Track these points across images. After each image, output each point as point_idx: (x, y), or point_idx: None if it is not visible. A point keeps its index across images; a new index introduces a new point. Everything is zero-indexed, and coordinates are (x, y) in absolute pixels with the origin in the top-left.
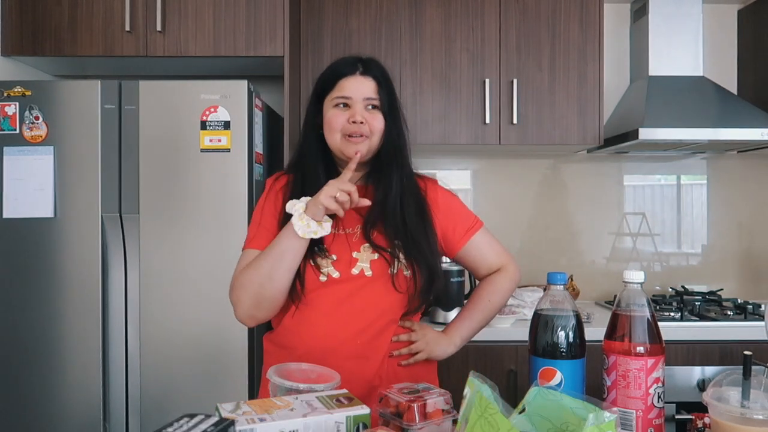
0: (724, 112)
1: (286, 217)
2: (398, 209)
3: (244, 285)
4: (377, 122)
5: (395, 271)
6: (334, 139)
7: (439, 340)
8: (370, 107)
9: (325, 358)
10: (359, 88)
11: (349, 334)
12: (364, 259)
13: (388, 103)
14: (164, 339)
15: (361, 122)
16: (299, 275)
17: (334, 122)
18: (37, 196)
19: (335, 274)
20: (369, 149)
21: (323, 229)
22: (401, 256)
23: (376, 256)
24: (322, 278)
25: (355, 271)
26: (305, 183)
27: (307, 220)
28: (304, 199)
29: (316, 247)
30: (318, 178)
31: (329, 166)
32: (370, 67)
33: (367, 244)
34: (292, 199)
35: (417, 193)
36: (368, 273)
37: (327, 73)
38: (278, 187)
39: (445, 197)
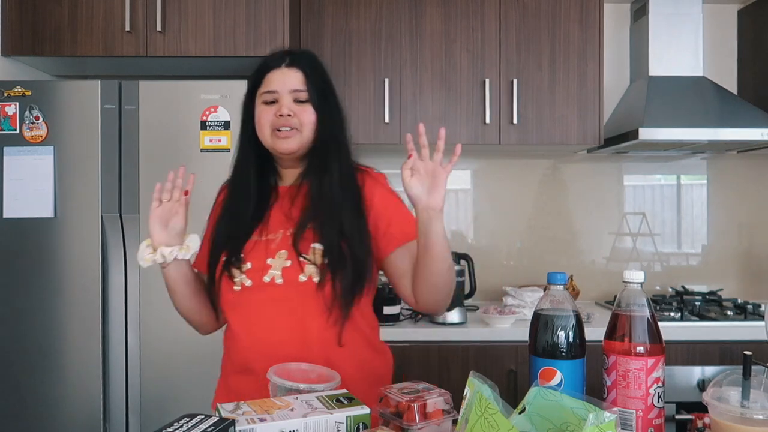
0: (724, 112)
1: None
2: (333, 210)
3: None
4: (307, 115)
5: (305, 278)
6: (264, 135)
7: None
8: (297, 101)
9: (255, 365)
10: (284, 80)
11: (270, 342)
12: (277, 267)
13: (320, 95)
14: (164, 339)
15: (289, 115)
16: (215, 287)
17: (263, 118)
18: (37, 196)
19: (248, 283)
20: (301, 144)
21: (179, 250)
22: (316, 261)
23: (289, 263)
24: (236, 288)
25: (266, 278)
26: (234, 189)
27: (144, 248)
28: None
29: (233, 258)
30: (247, 182)
31: (265, 167)
32: (297, 58)
33: (283, 251)
34: (225, 209)
35: (355, 192)
36: (279, 281)
37: (257, 67)
38: (220, 200)
39: (383, 197)
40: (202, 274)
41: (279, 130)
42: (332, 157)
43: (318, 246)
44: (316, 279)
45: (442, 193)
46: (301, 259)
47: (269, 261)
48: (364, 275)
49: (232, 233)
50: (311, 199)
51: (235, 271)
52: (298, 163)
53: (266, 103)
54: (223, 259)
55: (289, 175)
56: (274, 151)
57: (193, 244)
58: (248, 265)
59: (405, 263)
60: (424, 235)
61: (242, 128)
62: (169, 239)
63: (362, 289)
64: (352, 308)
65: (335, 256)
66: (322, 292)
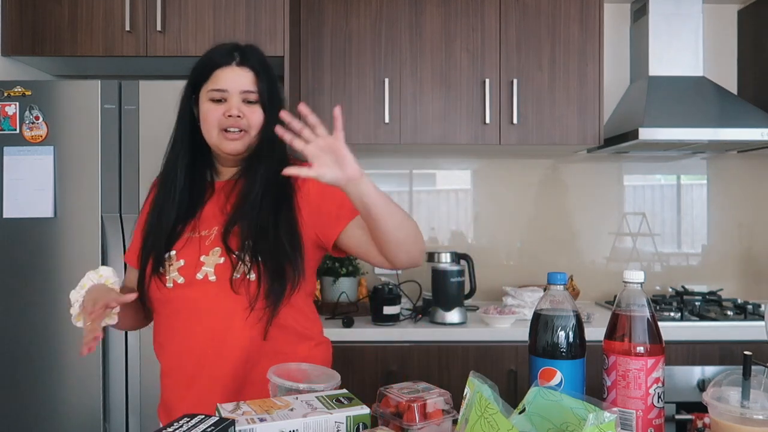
0: (724, 112)
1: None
2: (257, 207)
3: None
4: (255, 117)
5: (237, 275)
6: (211, 134)
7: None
8: (247, 101)
9: (187, 366)
10: (236, 80)
11: (204, 340)
12: (210, 264)
13: (268, 96)
14: None
15: (239, 116)
16: (144, 288)
17: (210, 117)
18: (37, 196)
19: (180, 280)
20: (248, 145)
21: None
22: (247, 258)
23: (222, 260)
24: (168, 285)
25: (199, 275)
26: (165, 184)
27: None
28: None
29: (163, 254)
30: (175, 177)
31: (200, 162)
32: (247, 56)
33: (217, 248)
34: (156, 204)
35: (285, 188)
36: (212, 278)
37: (202, 61)
38: (152, 195)
39: (316, 184)
40: (135, 270)
41: (227, 131)
42: (267, 155)
43: (249, 242)
44: (251, 276)
45: (351, 161)
46: (233, 255)
47: (202, 258)
48: (294, 270)
49: (162, 229)
50: (241, 196)
51: (167, 268)
52: (238, 162)
53: (214, 101)
54: (154, 255)
55: (227, 172)
56: (219, 151)
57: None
58: (181, 263)
59: (361, 235)
60: (360, 204)
61: (179, 121)
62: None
63: (293, 284)
64: (281, 302)
65: (264, 252)
66: (253, 289)
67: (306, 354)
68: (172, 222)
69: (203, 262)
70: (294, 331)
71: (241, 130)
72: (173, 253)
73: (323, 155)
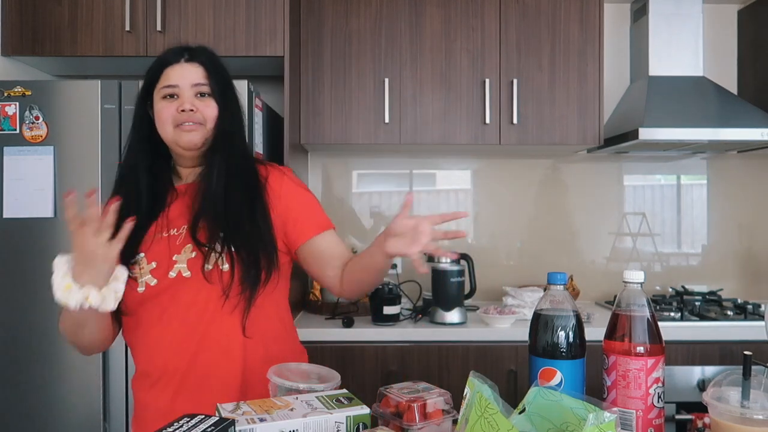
0: (724, 112)
1: None
2: (221, 198)
3: (63, 333)
4: (210, 110)
5: (210, 266)
6: (166, 131)
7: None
8: (200, 94)
9: (173, 368)
10: (185, 75)
11: (181, 336)
12: (182, 260)
13: (221, 90)
14: None
15: (191, 110)
16: None
17: (164, 114)
18: (37, 196)
19: (153, 282)
20: (205, 138)
21: (112, 292)
22: (219, 248)
23: (194, 254)
24: (140, 289)
25: (172, 274)
26: (126, 189)
27: (75, 288)
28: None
29: (131, 257)
30: (137, 180)
31: (160, 168)
32: (197, 54)
33: (189, 245)
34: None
35: (249, 180)
36: (186, 273)
37: (153, 64)
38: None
39: (291, 188)
40: None
41: (182, 125)
42: (224, 148)
43: (218, 232)
44: (224, 267)
45: (422, 244)
46: (204, 248)
47: (175, 257)
48: (268, 258)
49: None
50: (207, 188)
51: (138, 272)
52: (198, 162)
53: (166, 98)
54: (121, 260)
55: (189, 174)
56: (177, 147)
57: (119, 282)
58: (153, 265)
59: (322, 252)
60: (380, 256)
61: (134, 127)
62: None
63: (266, 276)
64: (257, 290)
65: (236, 240)
66: (226, 277)
67: (291, 349)
68: (139, 225)
69: (176, 261)
70: (269, 335)
71: (195, 123)
72: (141, 255)
73: (407, 232)
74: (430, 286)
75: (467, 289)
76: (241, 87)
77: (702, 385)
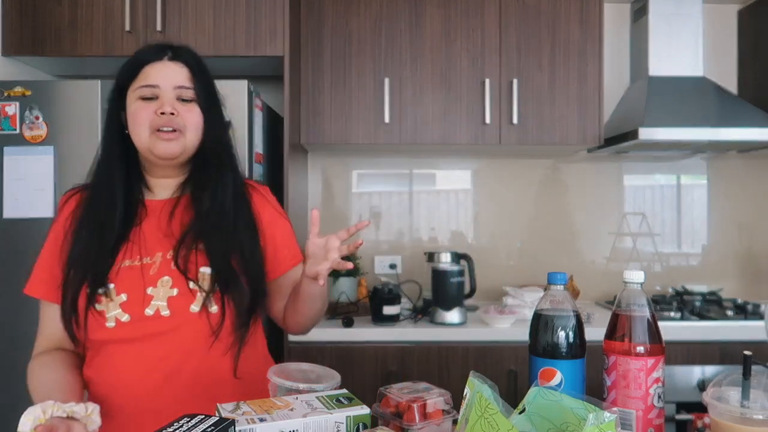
0: (724, 112)
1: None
2: (227, 227)
3: (30, 387)
4: (192, 116)
5: (197, 309)
6: (140, 136)
7: None
8: (182, 99)
9: (137, 415)
10: (168, 74)
11: (155, 384)
12: (161, 297)
13: (206, 95)
14: None
15: (172, 113)
16: (78, 325)
17: (140, 116)
18: (37, 196)
19: (124, 318)
20: (184, 148)
21: None
22: (207, 286)
23: (175, 291)
24: (110, 324)
25: (149, 311)
26: (97, 200)
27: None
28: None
29: (99, 288)
30: (113, 192)
31: (133, 175)
32: (180, 53)
33: (166, 278)
34: (84, 225)
35: (248, 206)
36: (165, 312)
37: (131, 60)
38: (68, 211)
39: (273, 215)
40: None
41: (160, 131)
42: (224, 165)
43: (206, 270)
44: (212, 309)
45: (332, 260)
46: (192, 286)
47: (150, 291)
48: (261, 299)
49: (95, 256)
50: (201, 215)
51: (109, 304)
52: (174, 172)
53: (144, 98)
54: (86, 289)
55: (161, 187)
56: (151, 155)
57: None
58: (123, 297)
59: (287, 288)
60: (304, 281)
61: (106, 131)
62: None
63: (258, 315)
64: (248, 336)
65: (229, 281)
66: (217, 323)
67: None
68: (109, 248)
69: (151, 296)
70: (257, 358)
71: (175, 130)
72: (111, 286)
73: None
74: (430, 286)
75: (467, 289)
76: (241, 87)
77: (702, 385)
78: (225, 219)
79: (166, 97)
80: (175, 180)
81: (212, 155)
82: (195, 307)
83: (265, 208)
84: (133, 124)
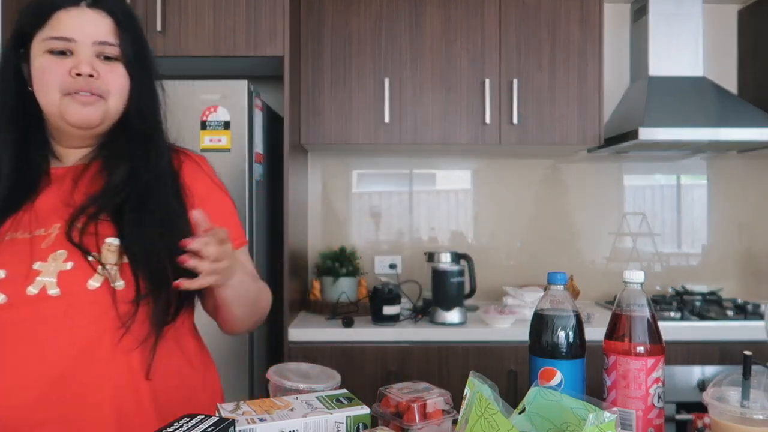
0: (724, 112)
1: None
2: (150, 198)
3: None
4: (116, 79)
5: (97, 284)
6: (49, 98)
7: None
8: (104, 57)
9: (22, 419)
10: (86, 25)
11: (38, 392)
12: (50, 272)
13: (135, 53)
14: None
15: (91, 75)
16: None
17: (50, 75)
18: None
19: (0, 298)
20: (105, 116)
21: None
22: (113, 258)
23: (69, 265)
24: None
25: (32, 290)
26: None
27: None
28: None
29: None
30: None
31: (31, 141)
32: None
33: (61, 251)
34: None
35: (175, 177)
36: (53, 291)
37: (35, 3)
38: None
39: (208, 188)
40: None
41: (75, 94)
42: (150, 137)
43: (114, 241)
44: (117, 284)
45: (227, 262)
46: (90, 258)
47: (37, 265)
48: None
49: None
50: (112, 186)
51: None
52: (88, 142)
53: (54, 53)
54: None
55: (72, 156)
56: (61, 122)
57: None
58: (1, 274)
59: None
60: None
61: (2, 81)
62: None
63: (182, 303)
64: (168, 327)
65: (143, 252)
66: (127, 307)
67: (202, 384)
68: None
69: (38, 271)
70: (181, 356)
71: (94, 94)
72: None
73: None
74: (430, 286)
75: (467, 289)
76: (241, 87)
77: (702, 385)
78: (143, 192)
79: (83, 55)
80: (87, 148)
81: (136, 125)
82: (94, 283)
83: (198, 179)
84: (40, 84)
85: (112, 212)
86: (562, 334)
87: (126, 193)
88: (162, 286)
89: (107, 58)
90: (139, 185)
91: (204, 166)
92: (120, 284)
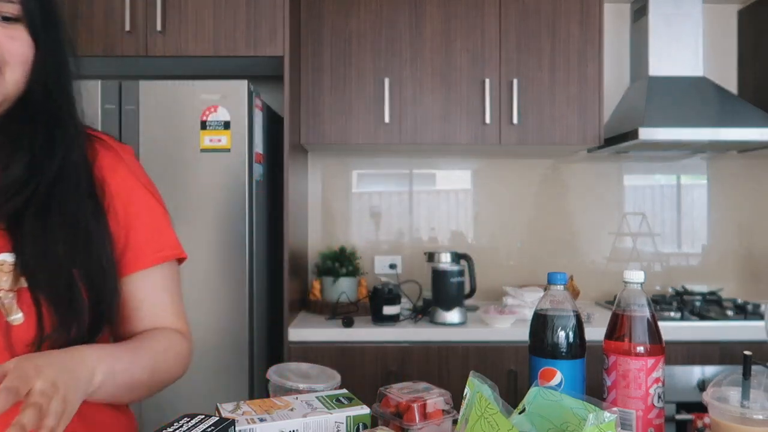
0: (724, 112)
1: None
2: (53, 199)
3: None
4: (17, 45)
5: None
6: None
7: (73, 373)
8: (4, 17)
9: None
10: None
11: None
12: None
13: (40, 12)
14: None
15: None
16: None
17: None
18: None
19: None
20: (6, 94)
21: None
22: (8, 286)
23: None
24: None
25: None
26: None
27: None
28: None
29: None
30: None
31: None
32: None
33: None
34: None
35: (89, 166)
36: None
37: None
38: None
39: (128, 184)
40: None
41: None
42: (58, 119)
43: (7, 258)
44: (13, 317)
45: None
46: None
47: None
48: (109, 303)
49: None
50: (7, 175)
51: None
52: None
53: None
54: None
55: None
56: None
57: None
58: None
59: (145, 292)
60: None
61: None
62: None
63: (95, 328)
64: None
65: (47, 276)
66: (23, 348)
67: (111, 423)
68: None
69: None
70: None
71: None
72: None
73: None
74: (430, 286)
75: (467, 289)
76: (241, 87)
77: (702, 385)
78: (47, 192)
79: None
80: None
81: (42, 104)
82: None
83: (116, 173)
84: None
85: (6, 219)
86: (562, 334)
87: (25, 194)
88: (73, 315)
89: (5, 19)
90: (42, 183)
91: (126, 156)
92: (17, 318)
